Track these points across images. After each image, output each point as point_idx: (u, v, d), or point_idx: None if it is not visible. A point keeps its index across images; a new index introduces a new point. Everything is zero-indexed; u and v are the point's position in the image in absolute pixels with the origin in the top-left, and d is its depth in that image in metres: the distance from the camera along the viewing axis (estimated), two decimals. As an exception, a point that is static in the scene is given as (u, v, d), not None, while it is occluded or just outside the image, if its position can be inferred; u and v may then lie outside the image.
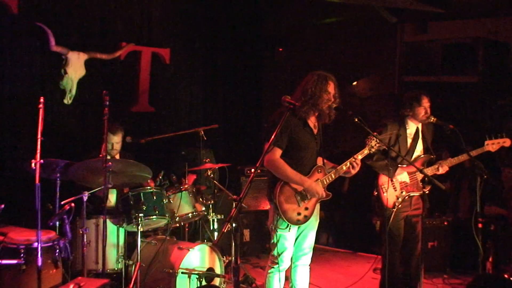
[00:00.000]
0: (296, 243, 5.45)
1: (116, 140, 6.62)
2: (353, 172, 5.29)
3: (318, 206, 5.42)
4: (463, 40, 8.90)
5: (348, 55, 9.98)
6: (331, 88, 5.26)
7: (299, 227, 5.37)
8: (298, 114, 5.20)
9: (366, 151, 5.36)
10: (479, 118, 8.57)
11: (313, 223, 5.44)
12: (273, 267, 5.36)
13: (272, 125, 5.04)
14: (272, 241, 5.31)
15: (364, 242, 8.91)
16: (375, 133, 5.43)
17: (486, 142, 6.18)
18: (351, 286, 7.01)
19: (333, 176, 5.32)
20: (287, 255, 5.35)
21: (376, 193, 6.17)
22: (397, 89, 9.49)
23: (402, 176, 6.10)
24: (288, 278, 5.65)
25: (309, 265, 5.59)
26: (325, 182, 5.30)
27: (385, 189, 6.08)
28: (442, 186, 5.35)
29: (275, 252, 5.29)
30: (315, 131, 5.35)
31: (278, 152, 5.14)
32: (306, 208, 5.23)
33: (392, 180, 6.07)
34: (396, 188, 6.10)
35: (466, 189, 8.23)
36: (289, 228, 5.23)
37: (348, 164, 5.28)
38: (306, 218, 5.25)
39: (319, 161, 5.41)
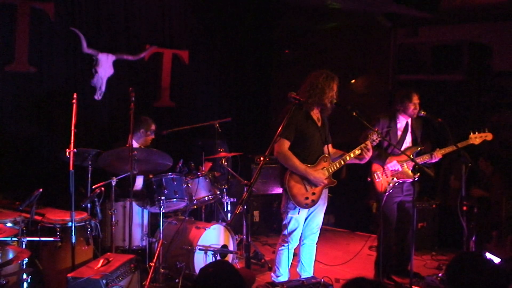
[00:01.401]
0: (305, 224, 5.45)
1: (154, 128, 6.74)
2: (366, 156, 5.29)
3: (326, 190, 5.42)
4: (450, 43, 8.83)
5: (347, 56, 9.93)
6: (335, 86, 5.25)
7: (308, 210, 5.36)
8: (304, 108, 5.19)
9: (368, 143, 5.33)
10: (464, 113, 8.52)
11: (321, 205, 5.45)
12: (283, 245, 5.36)
13: (280, 120, 5.02)
14: (284, 222, 5.31)
15: (360, 223, 8.90)
16: (376, 129, 5.43)
17: (470, 136, 6.15)
18: (347, 262, 7.00)
19: (338, 165, 5.31)
20: (296, 235, 5.36)
21: (370, 179, 6.16)
22: (391, 87, 9.43)
23: (392, 164, 6.08)
24: (296, 255, 5.66)
25: (316, 243, 5.60)
26: (331, 170, 5.29)
27: (378, 176, 6.07)
28: (431, 173, 5.34)
29: (286, 232, 5.29)
30: (319, 123, 5.34)
31: (286, 144, 5.13)
32: (313, 193, 5.22)
33: (383, 168, 6.06)
34: (388, 174, 6.08)
35: (452, 176, 8.20)
36: (299, 211, 5.23)
37: (357, 152, 5.27)
38: (314, 202, 5.25)
39: (325, 150, 5.39)
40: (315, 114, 5.33)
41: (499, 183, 7.42)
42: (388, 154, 6.08)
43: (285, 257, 5.37)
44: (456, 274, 3.00)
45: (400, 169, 6.06)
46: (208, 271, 3.13)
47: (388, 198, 6.08)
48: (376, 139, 5.35)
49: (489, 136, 6.16)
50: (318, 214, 5.48)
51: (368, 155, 5.29)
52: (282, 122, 4.85)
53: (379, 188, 6.06)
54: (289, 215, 5.25)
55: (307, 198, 5.20)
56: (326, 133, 5.41)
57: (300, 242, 5.56)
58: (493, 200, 7.40)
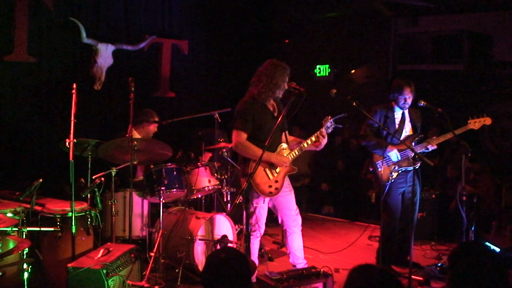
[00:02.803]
0: (282, 212, 5.55)
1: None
2: (322, 143, 5.34)
3: (288, 180, 5.52)
4: (450, 33, 8.81)
5: (347, 45, 9.93)
6: (287, 77, 5.27)
7: (274, 199, 5.47)
8: (258, 100, 5.23)
9: (323, 130, 5.36)
10: (464, 103, 8.52)
11: (288, 192, 5.52)
12: (252, 234, 5.38)
13: (237, 113, 5.22)
14: (252, 213, 5.35)
15: (360, 213, 8.91)
16: (329, 116, 5.45)
17: (469, 121, 6.12)
18: (343, 250, 7.06)
19: (297, 153, 5.38)
20: (263, 222, 5.49)
21: (371, 169, 6.15)
22: (391, 77, 9.42)
23: (392, 152, 6.06)
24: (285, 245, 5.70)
25: (300, 230, 5.64)
26: (291, 157, 5.34)
27: (379, 165, 6.06)
28: (430, 163, 5.32)
29: (253, 221, 5.34)
30: (275, 113, 5.38)
31: (243, 135, 5.19)
32: (276, 181, 5.30)
33: (384, 157, 6.04)
34: (389, 163, 6.07)
35: (449, 166, 8.21)
36: (263, 200, 5.32)
37: (313, 139, 5.33)
38: (277, 190, 5.32)
39: (283, 138, 5.46)
40: (271, 104, 5.37)
41: (488, 179, 7.42)
42: (387, 143, 6.06)
43: (255, 245, 5.48)
44: (459, 263, 3.01)
45: (400, 158, 6.05)
46: (220, 256, 3.13)
47: (392, 188, 6.06)
48: (330, 126, 5.42)
49: (487, 120, 6.12)
50: (289, 200, 5.55)
51: (323, 141, 5.34)
52: (238, 115, 5.04)
53: (381, 178, 6.05)
54: (254, 204, 5.32)
55: (270, 186, 5.27)
56: (282, 121, 5.44)
57: (286, 233, 5.64)
58: (481, 196, 7.41)
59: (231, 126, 5.34)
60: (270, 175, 5.28)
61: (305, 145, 5.37)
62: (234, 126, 5.23)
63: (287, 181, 5.50)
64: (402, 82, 6.12)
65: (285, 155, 5.34)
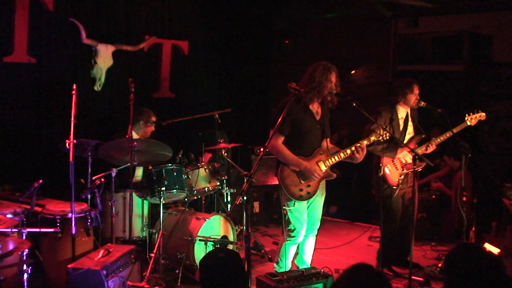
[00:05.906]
0: (307, 216, 5.42)
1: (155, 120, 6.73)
2: (358, 157, 5.16)
3: (323, 183, 5.36)
4: (450, 33, 8.83)
5: (347, 46, 9.92)
6: (334, 77, 5.22)
7: (308, 202, 5.33)
8: (303, 100, 5.14)
9: (373, 138, 5.27)
10: (464, 103, 8.52)
11: (319, 197, 5.38)
12: (289, 240, 5.32)
13: (277, 112, 4.97)
14: (285, 217, 5.26)
15: (361, 213, 8.89)
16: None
17: (466, 118, 6.17)
18: (338, 247, 7.12)
19: (336, 159, 5.20)
20: (300, 228, 5.29)
21: (381, 173, 6.02)
22: (391, 77, 9.44)
23: (402, 155, 6.04)
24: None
25: (315, 235, 5.57)
26: (328, 163, 5.21)
27: (389, 170, 6.00)
28: (431, 164, 5.31)
29: (290, 227, 5.26)
30: (318, 116, 5.30)
31: (280, 138, 5.09)
32: (308, 185, 5.16)
33: (393, 161, 6.01)
34: (398, 167, 6.04)
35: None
36: (294, 203, 5.19)
37: (354, 148, 5.16)
38: (309, 195, 5.19)
39: (324, 144, 5.30)
40: (314, 107, 5.29)
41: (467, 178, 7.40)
42: (397, 146, 6.00)
43: (289, 250, 5.35)
44: (455, 265, 3.01)
45: (410, 161, 6.02)
46: (217, 256, 3.11)
47: (395, 191, 6.05)
48: (384, 134, 5.29)
49: (482, 116, 6.22)
50: (317, 206, 5.42)
51: (361, 155, 5.17)
52: (278, 115, 4.75)
53: (391, 182, 6.01)
54: (287, 208, 5.22)
55: (301, 190, 5.14)
56: (325, 126, 5.36)
57: None
58: (454, 196, 7.41)
59: (270, 124, 5.18)
60: (300, 179, 5.14)
61: (343, 155, 5.20)
62: (272, 127, 4.97)
63: (322, 184, 5.34)
64: (409, 80, 6.12)
65: (320, 160, 5.17)
